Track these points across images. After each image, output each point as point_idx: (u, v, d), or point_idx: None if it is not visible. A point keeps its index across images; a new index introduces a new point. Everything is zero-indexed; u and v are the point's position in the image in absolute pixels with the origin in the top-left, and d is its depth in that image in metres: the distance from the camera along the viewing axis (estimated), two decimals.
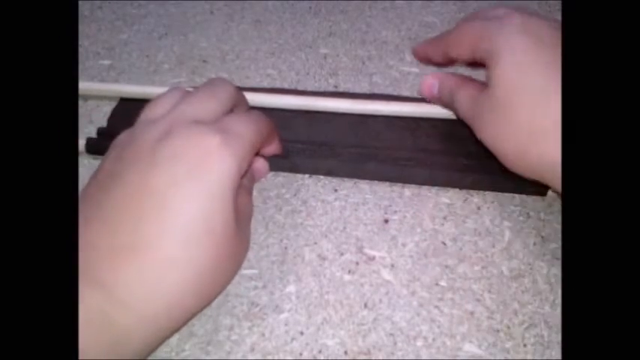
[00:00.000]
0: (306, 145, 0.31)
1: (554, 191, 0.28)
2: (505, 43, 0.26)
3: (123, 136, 0.25)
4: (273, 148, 0.29)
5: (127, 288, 0.21)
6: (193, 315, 0.23)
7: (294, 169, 0.31)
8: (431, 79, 0.31)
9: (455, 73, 0.31)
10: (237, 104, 0.27)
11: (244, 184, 0.27)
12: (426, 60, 0.32)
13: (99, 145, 0.30)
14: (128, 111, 0.27)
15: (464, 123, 0.29)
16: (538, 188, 0.29)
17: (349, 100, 0.32)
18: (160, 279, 0.21)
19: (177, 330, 0.23)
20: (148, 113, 0.26)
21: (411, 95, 0.35)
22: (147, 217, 0.22)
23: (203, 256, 0.22)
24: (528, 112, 0.25)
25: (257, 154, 0.28)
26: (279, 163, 0.30)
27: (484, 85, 0.27)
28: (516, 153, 0.26)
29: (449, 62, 0.31)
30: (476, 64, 0.29)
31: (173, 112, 0.25)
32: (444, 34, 0.30)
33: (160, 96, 0.27)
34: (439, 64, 0.32)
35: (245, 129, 0.25)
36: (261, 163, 0.30)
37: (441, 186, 0.30)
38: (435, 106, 0.32)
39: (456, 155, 0.30)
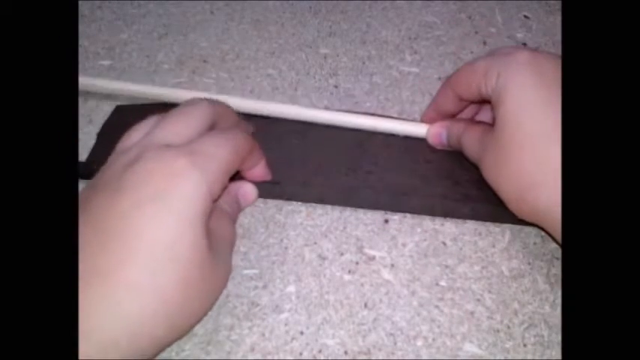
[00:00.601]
0: (298, 169, 0.30)
1: (554, 239, 0.27)
2: (510, 82, 0.25)
3: (103, 167, 0.25)
4: (258, 171, 0.28)
5: (87, 315, 0.20)
6: (164, 345, 0.22)
7: (285, 197, 0.30)
8: (438, 128, 0.31)
9: (461, 119, 0.31)
10: (219, 120, 0.26)
11: (222, 207, 0.26)
12: (438, 114, 0.31)
13: (85, 170, 0.29)
14: (123, 120, 0.26)
15: None
16: None
17: (344, 114, 0.32)
18: (120, 305, 0.20)
19: None
20: (123, 142, 0.25)
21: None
22: (110, 242, 0.21)
23: (169, 282, 0.21)
24: (529, 155, 0.25)
25: (237, 177, 0.27)
26: (270, 189, 0.29)
27: (490, 127, 0.27)
28: (517, 197, 0.25)
29: (460, 106, 0.30)
30: (484, 102, 0.28)
31: (145, 139, 0.24)
32: (451, 76, 0.29)
33: (136, 125, 0.26)
34: (451, 114, 0.31)
35: (216, 149, 0.24)
36: (248, 188, 0.29)
37: (439, 216, 0.29)
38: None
39: (455, 183, 0.29)
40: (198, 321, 0.24)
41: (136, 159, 0.23)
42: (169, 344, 0.23)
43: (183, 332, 0.23)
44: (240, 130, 0.27)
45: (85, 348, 0.19)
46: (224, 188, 0.24)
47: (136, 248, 0.21)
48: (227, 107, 0.28)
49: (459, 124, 0.30)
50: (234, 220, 0.27)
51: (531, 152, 0.24)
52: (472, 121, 0.31)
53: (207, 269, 0.22)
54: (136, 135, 0.25)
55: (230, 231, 0.26)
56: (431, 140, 0.31)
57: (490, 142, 0.26)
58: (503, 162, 0.26)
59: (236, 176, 0.27)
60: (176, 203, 0.22)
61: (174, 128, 0.25)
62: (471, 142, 0.28)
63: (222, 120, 0.27)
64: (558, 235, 0.24)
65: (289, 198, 0.30)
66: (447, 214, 0.29)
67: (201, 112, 0.26)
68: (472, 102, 0.30)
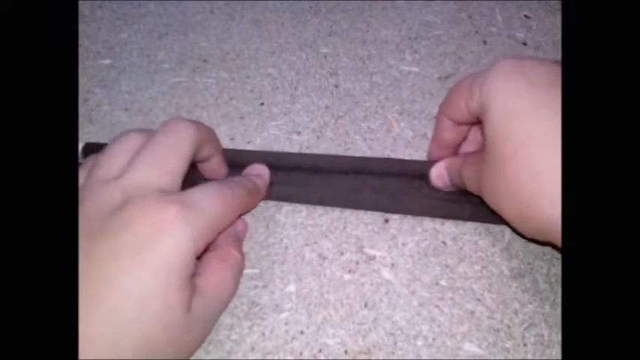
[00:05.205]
0: (298, 172, 0.30)
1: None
2: (492, 91, 0.24)
3: (83, 194, 0.23)
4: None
5: None
6: None
7: (285, 198, 0.29)
8: (439, 170, 0.29)
9: (460, 153, 0.29)
10: (203, 145, 0.25)
11: (228, 255, 0.24)
12: (440, 147, 0.29)
13: None
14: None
15: None
16: None
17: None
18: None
19: None
20: (103, 165, 0.23)
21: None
22: (79, 290, 0.19)
23: (132, 341, 0.20)
24: (524, 166, 0.22)
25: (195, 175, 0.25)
26: (269, 190, 0.29)
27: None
28: (520, 215, 0.23)
29: (460, 133, 0.28)
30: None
31: (129, 175, 0.22)
32: (442, 102, 0.28)
33: (116, 144, 0.24)
34: (454, 144, 0.29)
35: (210, 203, 0.22)
36: (240, 224, 0.27)
37: (438, 217, 0.29)
38: None
39: None
40: None
41: (123, 204, 0.21)
42: None
43: None
44: (243, 184, 0.26)
45: None
46: (210, 243, 0.23)
47: (102, 301, 0.20)
48: (210, 131, 0.27)
49: (458, 158, 0.28)
50: (239, 266, 0.25)
51: (526, 162, 0.22)
52: (469, 152, 0.29)
53: (178, 332, 0.21)
54: (117, 159, 0.23)
55: (225, 287, 0.24)
56: (435, 183, 0.29)
57: (485, 166, 0.24)
58: (500, 180, 0.23)
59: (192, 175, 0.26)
60: (155, 257, 0.20)
61: (161, 161, 0.23)
62: (470, 174, 0.26)
63: (206, 144, 0.26)
64: None
65: (290, 200, 0.29)
66: (447, 216, 0.29)
67: (186, 138, 0.24)
68: (469, 124, 0.28)
